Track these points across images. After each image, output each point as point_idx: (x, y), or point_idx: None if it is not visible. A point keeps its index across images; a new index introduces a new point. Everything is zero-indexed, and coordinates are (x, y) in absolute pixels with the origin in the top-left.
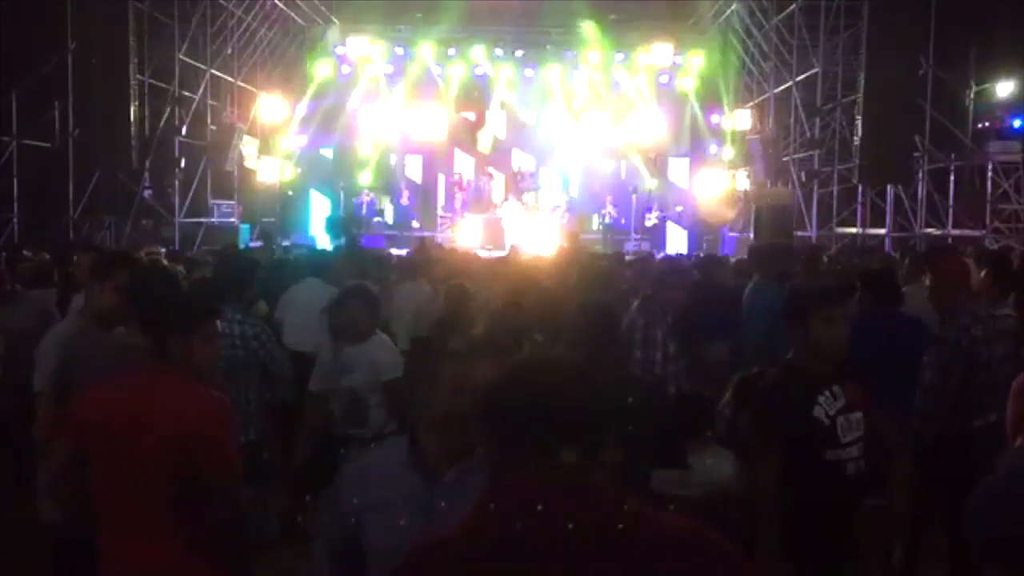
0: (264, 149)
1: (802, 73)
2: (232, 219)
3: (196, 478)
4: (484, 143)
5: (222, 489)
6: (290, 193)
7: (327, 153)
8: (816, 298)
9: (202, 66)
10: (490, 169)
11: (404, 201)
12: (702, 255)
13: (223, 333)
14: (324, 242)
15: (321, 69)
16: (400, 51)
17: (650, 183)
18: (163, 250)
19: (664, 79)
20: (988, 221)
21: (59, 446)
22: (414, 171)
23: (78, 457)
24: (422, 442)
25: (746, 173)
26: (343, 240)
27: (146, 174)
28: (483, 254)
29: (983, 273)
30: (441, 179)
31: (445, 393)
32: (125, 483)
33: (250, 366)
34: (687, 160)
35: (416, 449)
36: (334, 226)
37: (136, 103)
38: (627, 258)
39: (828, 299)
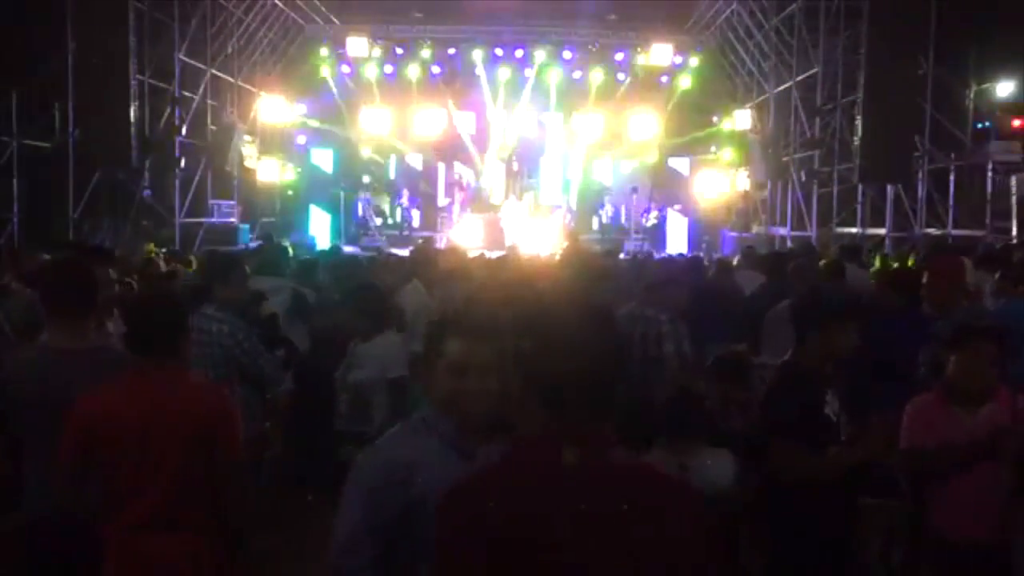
0: (264, 149)
1: (802, 73)
2: (232, 219)
3: (211, 471)
4: (483, 142)
5: (235, 479)
6: (290, 193)
7: (327, 153)
8: (852, 307)
9: (202, 66)
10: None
11: (404, 202)
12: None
13: (200, 329)
14: (324, 242)
15: (321, 69)
16: (400, 51)
17: (650, 183)
18: (163, 250)
19: (664, 79)
20: (988, 221)
21: (64, 452)
22: (414, 171)
23: (83, 462)
24: (441, 425)
25: (746, 173)
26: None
27: (146, 174)
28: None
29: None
30: (441, 179)
31: (443, 374)
32: (144, 481)
33: (225, 365)
34: (687, 160)
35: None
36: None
37: (136, 103)
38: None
39: (859, 310)
